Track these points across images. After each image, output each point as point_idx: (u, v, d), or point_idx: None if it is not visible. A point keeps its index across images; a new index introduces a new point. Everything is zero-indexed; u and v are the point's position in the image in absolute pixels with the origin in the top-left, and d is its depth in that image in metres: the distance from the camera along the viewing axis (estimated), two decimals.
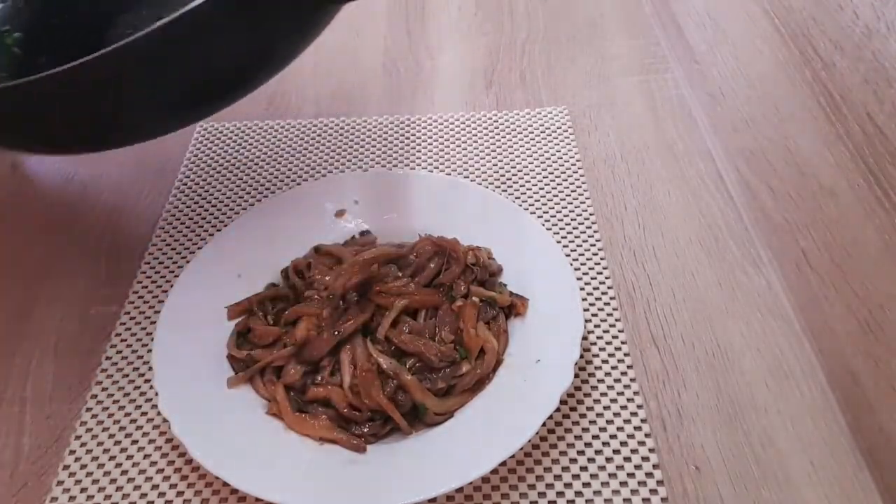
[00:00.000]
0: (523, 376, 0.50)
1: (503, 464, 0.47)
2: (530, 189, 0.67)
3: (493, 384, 0.51)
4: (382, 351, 0.52)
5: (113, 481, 0.48)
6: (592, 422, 0.49)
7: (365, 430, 0.49)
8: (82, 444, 0.50)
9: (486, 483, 0.47)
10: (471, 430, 0.48)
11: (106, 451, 0.49)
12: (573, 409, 0.50)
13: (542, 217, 0.64)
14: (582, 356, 0.53)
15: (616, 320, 0.55)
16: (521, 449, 0.46)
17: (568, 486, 0.46)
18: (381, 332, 0.52)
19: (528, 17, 0.88)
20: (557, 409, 0.50)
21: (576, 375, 0.51)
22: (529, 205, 0.65)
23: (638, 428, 0.49)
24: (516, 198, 0.66)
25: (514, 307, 0.55)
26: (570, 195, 0.66)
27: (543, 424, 0.47)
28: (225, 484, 0.46)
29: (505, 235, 0.59)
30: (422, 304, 0.54)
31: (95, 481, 0.48)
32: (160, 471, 0.48)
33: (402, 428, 0.49)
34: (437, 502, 0.46)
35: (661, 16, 0.86)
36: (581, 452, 0.48)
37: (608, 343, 0.54)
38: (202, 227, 0.66)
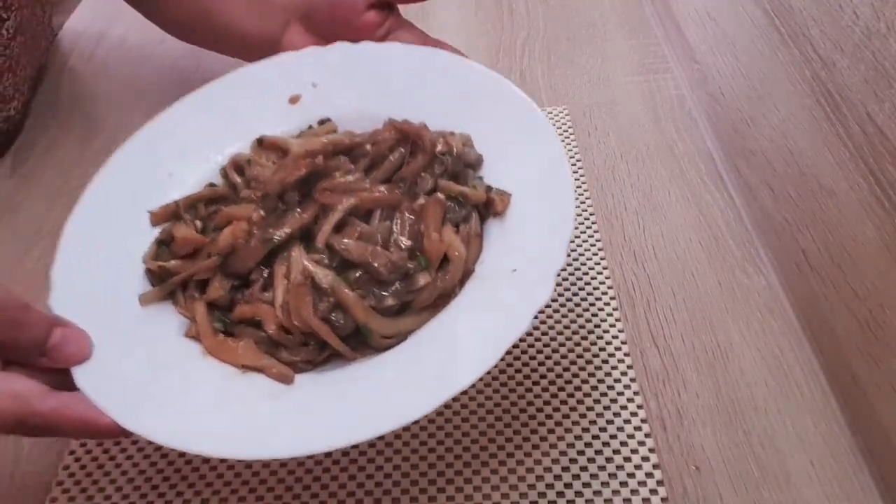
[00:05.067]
0: (495, 290, 0.42)
1: (503, 463, 0.47)
2: None
3: (458, 300, 0.43)
4: (321, 261, 0.43)
5: (112, 481, 0.48)
6: (592, 422, 0.49)
7: (296, 357, 0.42)
8: (82, 445, 0.50)
9: (486, 483, 0.47)
10: (425, 355, 0.41)
11: (105, 451, 0.49)
12: (573, 409, 0.50)
13: None
14: (582, 356, 0.53)
15: (616, 320, 0.55)
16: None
17: (568, 486, 0.46)
18: (322, 238, 0.44)
19: (528, 17, 0.88)
20: (557, 410, 0.50)
21: (575, 375, 0.51)
22: None
23: (638, 428, 0.49)
24: None
25: (491, 205, 0.46)
26: None
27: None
28: (226, 483, 0.46)
29: (493, 120, 0.50)
30: (376, 202, 0.45)
31: (95, 482, 0.48)
32: (160, 471, 0.48)
33: (343, 353, 0.42)
34: (428, 494, 0.46)
35: (661, 16, 0.86)
36: (581, 452, 0.48)
37: (608, 343, 0.54)
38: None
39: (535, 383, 0.51)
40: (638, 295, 0.57)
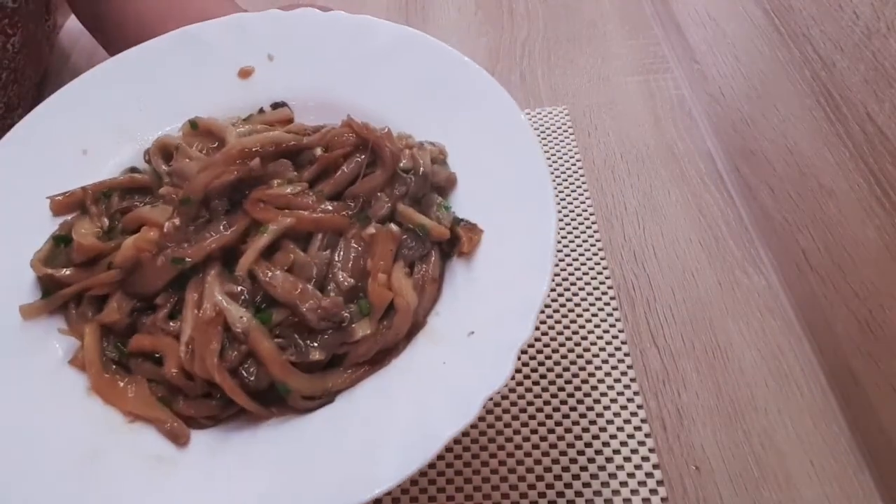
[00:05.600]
0: (446, 355, 0.35)
1: (503, 463, 0.47)
2: None
3: (402, 359, 0.36)
4: (240, 295, 0.35)
5: None
6: (592, 422, 0.49)
7: (195, 411, 0.34)
8: None
9: (486, 483, 0.47)
10: (351, 428, 0.34)
11: None
12: (573, 409, 0.50)
13: None
14: (582, 356, 0.53)
15: (616, 320, 0.55)
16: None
17: (568, 486, 0.46)
18: (244, 264, 0.36)
19: (528, 17, 0.88)
20: (557, 410, 0.49)
21: (575, 375, 0.51)
22: None
23: (638, 428, 0.49)
24: None
25: (457, 242, 0.38)
26: (570, 195, 0.65)
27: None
28: None
29: (477, 131, 0.41)
30: (317, 225, 0.37)
31: None
32: None
33: (252, 412, 0.35)
34: (428, 495, 0.46)
35: (661, 16, 0.86)
36: (581, 452, 0.48)
37: (608, 343, 0.54)
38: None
39: (535, 383, 0.51)
40: (638, 295, 0.57)
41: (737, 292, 0.57)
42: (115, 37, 0.67)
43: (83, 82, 0.44)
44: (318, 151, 0.40)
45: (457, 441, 0.48)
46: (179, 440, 0.34)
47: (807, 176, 0.64)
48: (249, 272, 0.36)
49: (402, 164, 0.39)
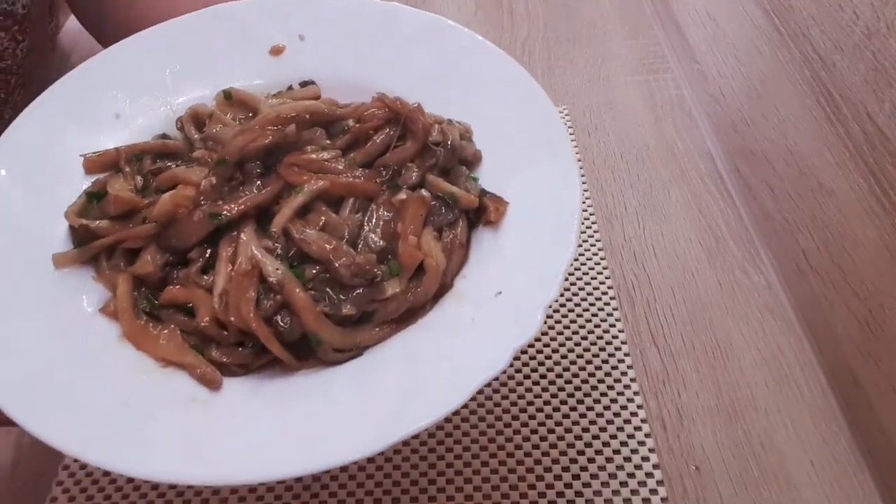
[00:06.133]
0: (473, 313, 0.37)
1: (503, 463, 0.47)
2: None
3: (429, 318, 0.37)
4: (274, 250, 0.37)
5: (112, 481, 0.48)
6: (592, 422, 0.49)
7: (228, 358, 0.35)
8: None
9: (486, 483, 0.47)
10: (381, 380, 0.35)
11: None
12: (573, 409, 0.50)
13: None
14: (582, 356, 0.53)
15: (616, 320, 0.55)
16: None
17: (568, 486, 0.46)
18: (279, 221, 0.37)
19: (528, 17, 0.88)
20: (557, 410, 0.49)
21: (575, 375, 0.51)
22: None
23: (638, 428, 0.49)
24: None
25: (483, 212, 0.40)
26: None
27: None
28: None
29: (501, 112, 0.43)
30: (350, 189, 0.39)
31: (95, 481, 0.48)
32: None
33: (285, 361, 0.36)
34: (428, 494, 0.46)
35: (661, 16, 0.86)
36: (581, 453, 0.48)
37: (608, 343, 0.54)
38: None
39: (536, 383, 0.51)
40: (638, 295, 0.57)
41: (737, 292, 0.57)
42: (120, 38, 0.67)
43: (120, 49, 0.45)
44: (350, 123, 0.42)
45: (457, 441, 0.48)
46: (212, 385, 0.35)
47: (807, 176, 0.64)
48: (284, 230, 0.37)
49: (432, 137, 0.41)
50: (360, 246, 0.37)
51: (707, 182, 0.66)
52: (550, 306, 0.52)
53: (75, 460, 0.48)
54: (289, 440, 0.32)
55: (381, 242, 0.38)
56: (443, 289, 0.38)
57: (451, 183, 0.40)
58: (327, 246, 0.36)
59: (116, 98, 0.43)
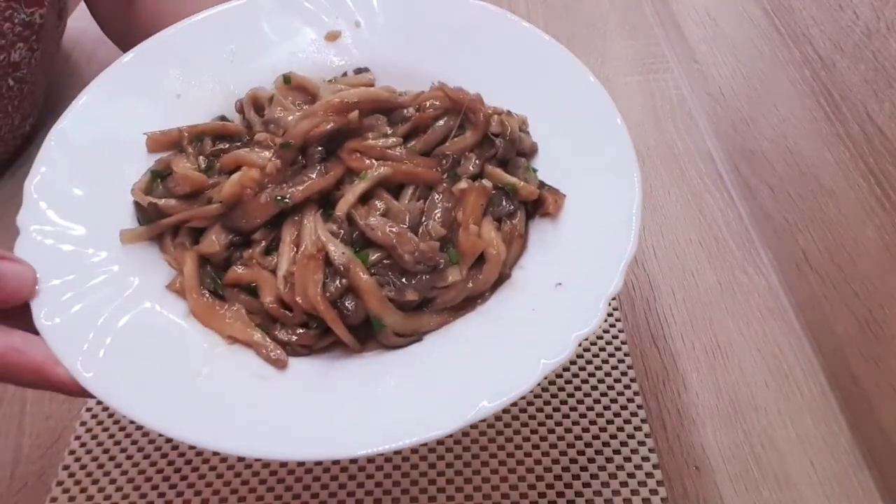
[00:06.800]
0: (534, 303, 0.37)
1: (503, 463, 0.47)
2: None
3: (488, 306, 0.38)
4: (338, 234, 0.37)
5: (113, 481, 0.48)
6: (592, 422, 0.49)
7: (292, 338, 0.36)
8: (82, 444, 0.50)
9: (486, 483, 0.47)
10: (440, 365, 0.36)
11: (106, 451, 0.49)
12: (573, 408, 0.50)
13: None
14: (582, 356, 0.53)
15: (616, 320, 0.55)
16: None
17: (568, 486, 0.46)
18: (343, 206, 0.38)
19: (528, 17, 0.88)
20: (557, 410, 0.49)
21: (575, 375, 0.51)
22: None
23: (638, 428, 0.49)
24: None
25: (541, 203, 0.40)
26: None
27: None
28: (225, 483, 0.46)
29: (557, 104, 0.43)
30: (411, 177, 0.40)
31: (95, 481, 0.48)
32: (160, 471, 0.48)
33: (348, 344, 0.36)
34: (428, 494, 0.46)
35: (661, 16, 0.86)
36: (581, 453, 0.48)
37: (608, 343, 0.54)
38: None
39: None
40: (638, 295, 0.57)
41: (737, 292, 0.57)
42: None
43: (179, 30, 0.45)
44: (411, 111, 0.42)
45: (457, 441, 0.48)
46: (279, 363, 0.35)
47: (807, 176, 0.64)
48: (348, 215, 0.38)
49: (492, 128, 0.41)
50: (420, 234, 0.38)
51: (707, 182, 0.66)
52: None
53: (77, 460, 0.48)
54: (350, 421, 0.33)
55: (442, 231, 0.38)
56: (501, 278, 0.39)
57: (510, 174, 0.41)
58: (392, 232, 0.37)
59: (177, 78, 0.44)
